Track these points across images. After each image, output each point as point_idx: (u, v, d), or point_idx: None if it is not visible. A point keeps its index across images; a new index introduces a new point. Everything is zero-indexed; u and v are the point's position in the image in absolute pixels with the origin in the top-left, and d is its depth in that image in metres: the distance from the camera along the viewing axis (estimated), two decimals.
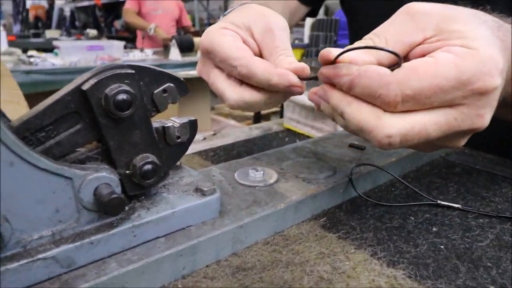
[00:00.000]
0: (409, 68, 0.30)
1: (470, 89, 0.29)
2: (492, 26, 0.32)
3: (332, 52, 0.33)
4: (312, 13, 0.86)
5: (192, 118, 0.39)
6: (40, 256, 0.28)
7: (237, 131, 0.76)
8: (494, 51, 0.30)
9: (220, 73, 0.42)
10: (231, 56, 0.39)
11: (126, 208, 0.35)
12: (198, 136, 0.72)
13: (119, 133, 0.33)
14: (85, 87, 0.31)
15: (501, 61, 0.30)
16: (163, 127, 0.37)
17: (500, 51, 0.31)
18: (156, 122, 0.38)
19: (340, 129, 0.72)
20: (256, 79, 0.38)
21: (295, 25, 0.93)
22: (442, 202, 0.48)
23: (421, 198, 0.50)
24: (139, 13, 3.59)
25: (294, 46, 4.16)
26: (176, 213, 0.35)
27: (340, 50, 0.33)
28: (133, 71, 0.33)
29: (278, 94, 0.39)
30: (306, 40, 4.20)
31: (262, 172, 0.47)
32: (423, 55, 0.32)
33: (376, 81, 0.30)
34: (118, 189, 0.32)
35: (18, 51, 2.54)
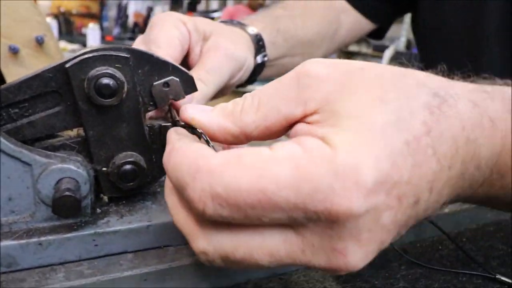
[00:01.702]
0: (231, 155, 0.19)
1: (313, 210, 0.18)
2: (422, 103, 0.20)
3: (188, 111, 0.25)
4: (378, 34, 0.77)
5: None
6: None
7: None
8: (363, 159, 0.18)
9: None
10: (160, 41, 0.38)
11: (98, 210, 0.30)
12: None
13: (101, 124, 0.28)
14: (68, 64, 0.27)
15: (372, 175, 0.18)
16: (160, 126, 0.32)
17: (390, 156, 0.19)
18: (156, 120, 0.33)
19: None
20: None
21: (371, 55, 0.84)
22: (502, 278, 0.37)
23: (475, 267, 0.39)
24: None
25: None
26: (152, 227, 0.29)
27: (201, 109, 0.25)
28: (128, 55, 0.28)
29: None
30: None
31: None
32: None
33: (186, 165, 0.20)
34: (86, 187, 0.27)
35: None
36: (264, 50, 0.52)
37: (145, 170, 0.30)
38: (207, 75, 0.39)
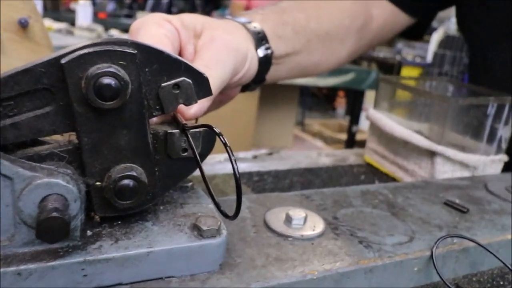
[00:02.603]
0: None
1: None
2: None
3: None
4: (416, 32, 0.75)
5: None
6: None
7: (300, 155, 0.69)
8: None
9: None
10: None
11: (89, 233, 0.29)
12: (248, 154, 0.65)
13: (98, 129, 0.28)
14: (64, 59, 0.26)
15: None
16: (166, 133, 0.31)
17: None
18: (161, 125, 0.32)
19: (441, 176, 0.60)
20: None
21: (417, 39, 0.83)
22: None
23: None
24: (247, 9, 3.78)
25: (411, 64, 3.93)
26: (153, 254, 0.28)
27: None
28: (135, 51, 0.27)
29: None
30: (429, 59, 3.94)
31: (303, 218, 0.38)
32: None
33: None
34: (76, 206, 0.26)
35: (100, 28, 2.76)
36: (267, 43, 0.52)
37: (146, 186, 0.29)
38: (208, 70, 0.39)
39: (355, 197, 0.47)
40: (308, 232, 0.37)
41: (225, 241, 0.31)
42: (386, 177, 0.66)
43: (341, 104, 4.97)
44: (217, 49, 0.43)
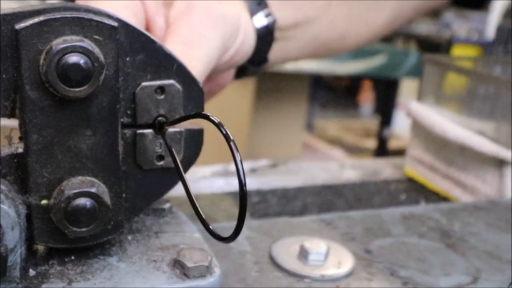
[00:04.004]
0: None
1: None
2: None
3: None
4: None
5: (196, 127, 0.34)
6: None
7: (315, 168, 0.70)
8: None
9: None
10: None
11: (32, 272, 0.30)
12: (244, 165, 0.66)
13: (54, 125, 0.29)
14: (20, 24, 0.27)
15: None
16: (134, 134, 0.32)
17: None
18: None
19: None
20: None
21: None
22: None
23: None
24: None
25: (465, 42, 3.98)
26: None
27: None
28: (115, 24, 0.29)
29: None
30: (489, 34, 3.98)
31: (324, 252, 0.39)
32: None
33: None
34: (13, 235, 0.27)
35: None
36: (266, 7, 0.52)
37: (108, 211, 0.30)
38: (187, 49, 0.40)
39: (394, 223, 0.48)
40: (331, 270, 0.38)
41: (218, 282, 0.32)
42: (436, 197, 0.68)
43: (367, 99, 5.02)
44: (197, 19, 0.43)
